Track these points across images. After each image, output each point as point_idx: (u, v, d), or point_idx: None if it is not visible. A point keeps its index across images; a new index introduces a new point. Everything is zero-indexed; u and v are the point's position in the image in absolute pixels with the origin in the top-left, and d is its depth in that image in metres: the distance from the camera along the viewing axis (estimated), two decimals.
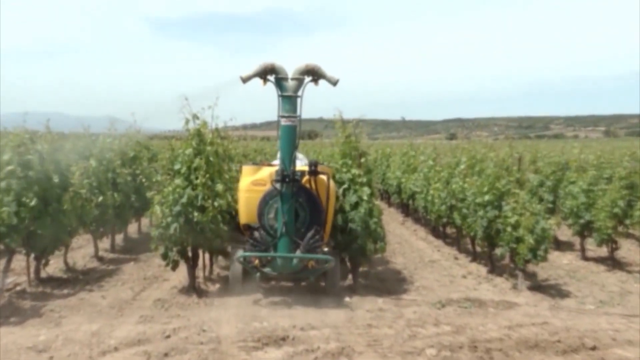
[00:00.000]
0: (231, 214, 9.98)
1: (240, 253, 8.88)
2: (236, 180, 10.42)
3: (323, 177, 9.14)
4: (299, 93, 8.76)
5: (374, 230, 9.59)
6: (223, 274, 10.98)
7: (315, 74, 8.72)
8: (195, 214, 9.03)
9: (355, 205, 9.68)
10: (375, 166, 22.75)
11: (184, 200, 9.06)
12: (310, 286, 9.57)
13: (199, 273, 10.46)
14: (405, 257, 13.28)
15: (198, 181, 9.28)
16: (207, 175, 9.34)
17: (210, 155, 9.58)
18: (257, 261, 8.74)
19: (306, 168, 9.17)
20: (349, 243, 9.58)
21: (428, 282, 10.86)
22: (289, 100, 8.73)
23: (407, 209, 20.09)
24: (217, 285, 10.18)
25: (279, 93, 8.74)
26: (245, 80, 8.57)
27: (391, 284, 10.59)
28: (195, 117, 9.61)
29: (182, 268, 9.88)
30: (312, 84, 8.76)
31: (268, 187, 9.09)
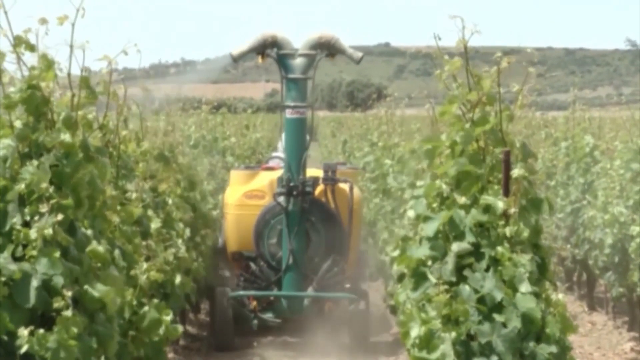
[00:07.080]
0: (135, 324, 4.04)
1: (230, 292, 7.81)
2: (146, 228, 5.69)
3: (344, 186, 8.08)
4: (310, 73, 7.85)
5: None
6: None
7: (331, 48, 7.82)
8: (22, 346, 3.17)
9: (496, 307, 3.51)
10: (549, 189, 10.55)
11: None
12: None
13: None
14: None
15: (33, 237, 3.40)
16: (62, 217, 3.48)
17: (69, 157, 3.64)
18: (254, 303, 7.76)
19: (320, 173, 8.07)
20: None
21: None
22: (296, 83, 7.79)
23: None
24: None
25: (283, 74, 7.82)
26: (237, 58, 7.90)
27: None
28: (22, 44, 3.55)
29: None
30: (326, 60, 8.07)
31: (268, 200, 7.97)
